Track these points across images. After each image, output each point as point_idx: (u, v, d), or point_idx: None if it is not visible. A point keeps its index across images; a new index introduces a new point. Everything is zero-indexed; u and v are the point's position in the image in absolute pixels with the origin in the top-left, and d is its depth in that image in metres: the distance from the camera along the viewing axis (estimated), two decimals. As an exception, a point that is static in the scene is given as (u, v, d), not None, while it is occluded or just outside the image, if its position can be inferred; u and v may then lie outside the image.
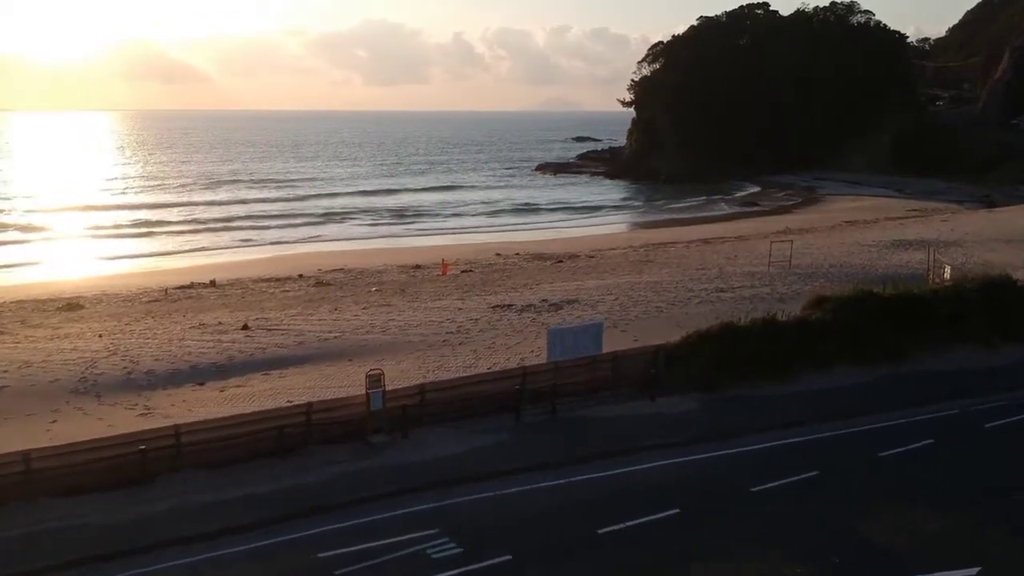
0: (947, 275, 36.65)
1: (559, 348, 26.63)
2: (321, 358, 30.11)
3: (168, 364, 29.81)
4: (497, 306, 37.22)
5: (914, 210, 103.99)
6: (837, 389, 26.97)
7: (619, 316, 34.72)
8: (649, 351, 27.40)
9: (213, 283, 61.52)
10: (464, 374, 27.58)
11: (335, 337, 32.35)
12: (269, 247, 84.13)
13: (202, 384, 28.09)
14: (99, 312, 48.06)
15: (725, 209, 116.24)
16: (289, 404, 24.51)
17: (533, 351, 29.67)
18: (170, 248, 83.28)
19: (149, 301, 54.44)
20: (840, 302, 29.68)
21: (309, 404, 22.87)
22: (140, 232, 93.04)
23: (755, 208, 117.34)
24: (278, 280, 61.90)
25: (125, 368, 29.33)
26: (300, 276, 62.97)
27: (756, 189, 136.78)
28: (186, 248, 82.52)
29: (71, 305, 53.51)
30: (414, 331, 33.06)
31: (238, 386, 27.72)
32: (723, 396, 26.28)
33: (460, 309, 36.91)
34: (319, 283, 60.07)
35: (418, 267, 65.12)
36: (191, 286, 61.27)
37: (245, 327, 34.47)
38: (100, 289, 60.45)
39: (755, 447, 22.97)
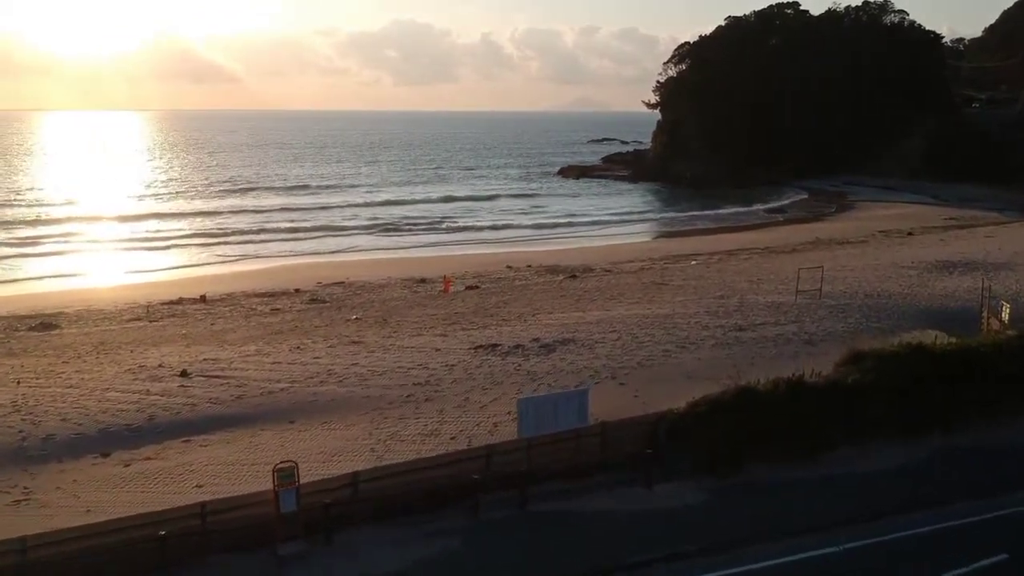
0: (1006, 316, 30.88)
1: (533, 421, 21.33)
2: (258, 418, 24.99)
3: (75, 425, 24.77)
4: (480, 346, 31.93)
5: (951, 219, 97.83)
6: (880, 473, 21.46)
7: (619, 362, 29.34)
8: (647, 422, 22.07)
9: (203, 298, 57.55)
10: (420, 447, 22.43)
11: (282, 389, 27.23)
12: (278, 258, 79.76)
13: (107, 455, 23.03)
14: (64, 337, 43.64)
15: (751, 217, 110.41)
16: (200, 490, 19.51)
17: (510, 413, 24.35)
18: (179, 258, 79.52)
19: (129, 320, 50.43)
20: (881, 359, 24.13)
21: (203, 504, 17.78)
22: (151, 241, 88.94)
23: (783, 216, 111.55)
24: (272, 295, 57.70)
25: (21, 432, 24.27)
26: (296, 291, 58.84)
27: (784, 195, 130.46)
28: (192, 261, 78.34)
29: (45, 324, 49.67)
30: (377, 381, 27.88)
31: (148, 459, 22.66)
32: (737, 482, 20.90)
33: (438, 350, 31.66)
34: (312, 300, 56.01)
35: (423, 281, 60.78)
36: (179, 301, 57.23)
37: (184, 373, 29.43)
38: (88, 303, 56.49)
39: (776, 562, 17.59)
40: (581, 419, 21.75)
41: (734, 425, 21.54)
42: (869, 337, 32.12)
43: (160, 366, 30.91)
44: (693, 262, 66.78)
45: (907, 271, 47.57)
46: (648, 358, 29.67)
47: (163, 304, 56.15)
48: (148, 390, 27.64)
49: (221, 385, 27.78)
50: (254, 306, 54.23)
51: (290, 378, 28.40)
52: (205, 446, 23.35)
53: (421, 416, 24.66)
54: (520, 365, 29.23)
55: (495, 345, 31.83)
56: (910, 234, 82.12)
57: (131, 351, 35.23)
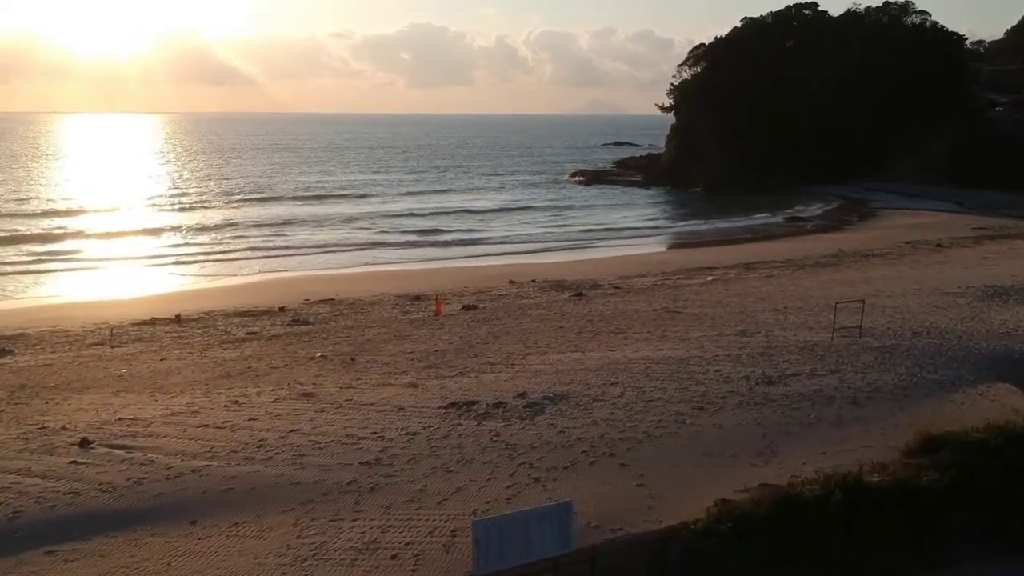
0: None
1: (496, 550, 15.29)
2: (153, 516, 19.04)
3: (-90, 529, 18.93)
4: (453, 404, 25.84)
5: (980, 228, 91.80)
6: (973, 617, 15.51)
7: (621, 430, 23.27)
8: (652, 541, 16.11)
9: (177, 318, 52.45)
10: (348, 571, 16.47)
11: (194, 470, 21.18)
12: (276, 272, 74.98)
13: (-63, 577, 17.26)
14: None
15: (769, 226, 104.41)
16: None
17: (477, 511, 18.44)
18: (172, 272, 75.31)
19: (91, 344, 45.23)
20: (964, 450, 18.11)
21: None
22: (149, 256, 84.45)
23: (803, 225, 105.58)
24: (252, 314, 52.50)
25: None
26: (281, 309, 53.76)
27: (803, 201, 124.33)
28: (185, 275, 73.86)
29: (-3, 350, 44.43)
30: (315, 458, 21.86)
31: (-11, 583, 16.87)
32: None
33: (401, 409, 25.62)
34: (294, 321, 51.01)
35: (417, 298, 55.59)
36: (151, 322, 52.04)
37: (84, 442, 23.49)
38: (56, 323, 51.38)
39: None
40: (562, 543, 15.70)
41: (772, 549, 15.57)
42: (925, 393, 26.09)
43: (63, 428, 25.04)
44: (709, 277, 61.14)
45: (954, 299, 41.25)
46: (657, 424, 23.59)
47: (134, 325, 51.14)
48: (30, 468, 21.72)
49: (122, 462, 21.86)
50: (228, 328, 49.12)
51: (210, 451, 22.44)
52: (71, 561, 17.44)
53: (360, 515, 18.70)
54: (498, 434, 23.19)
55: (471, 403, 25.78)
56: (939, 246, 76.30)
57: (46, 401, 29.44)
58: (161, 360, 37.25)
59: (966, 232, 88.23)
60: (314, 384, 29.64)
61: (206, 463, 21.59)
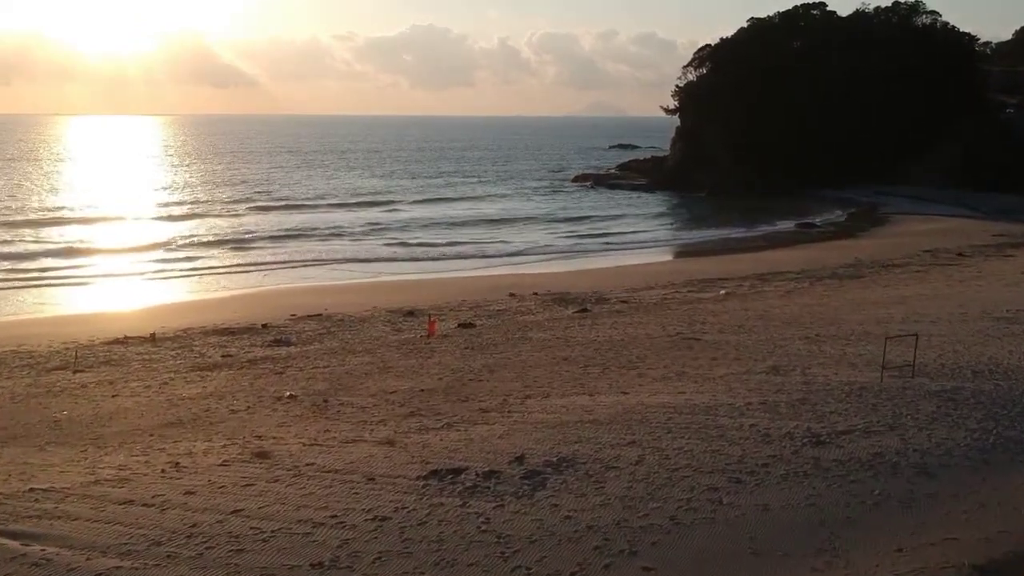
0: None
1: None
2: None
3: None
4: (435, 472, 20.82)
5: (999, 235, 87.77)
6: None
7: (643, 515, 18.27)
8: None
9: (152, 337, 48.27)
10: None
11: (102, 573, 16.36)
12: (261, 286, 71.27)
13: None
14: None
15: (779, 233, 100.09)
16: None
17: (456, 649, 13.55)
18: (162, 285, 71.95)
19: (53, 368, 40.96)
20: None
21: None
22: (137, 262, 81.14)
23: (813, 230, 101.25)
24: (233, 332, 48.20)
25: None
26: (264, 326, 49.54)
27: (812, 206, 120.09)
28: (174, 289, 70.30)
29: (-57, 376, 40.16)
30: (256, 554, 16.90)
31: None
32: None
33: (371, 480, 20.59)
34: (275, 341, 46.92)
35: (410, 314, 51.37)
36: (123, 341, 47.82)
37: (-30, 529, 18.60)
38: (23, 341, 47.09)
39: None
40: None
41: None
42: (1009, 458, 21.09)
43: (-43, 504, 20.16)
44: (722, 291, 56.73)
45: (1007, 325, 36.23)
46: (687, 506, 18.59)
47: (105, 344, 46.79)
48: None
49: (11, 560, 16.83)
50: (204, 350, 44.77)
51: (127, 543, 17.48)
52: None
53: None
54: (488, 519, 18.19)
55: (457, 471, 20.78)
56: (961, 255, 71.87)
57: (-43, 458, 24.63)
58: (112, 397, 32.48)
59: (986, 240, 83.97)
60: (274, 438, 24.74)
61: (117, 563, 16.63)
